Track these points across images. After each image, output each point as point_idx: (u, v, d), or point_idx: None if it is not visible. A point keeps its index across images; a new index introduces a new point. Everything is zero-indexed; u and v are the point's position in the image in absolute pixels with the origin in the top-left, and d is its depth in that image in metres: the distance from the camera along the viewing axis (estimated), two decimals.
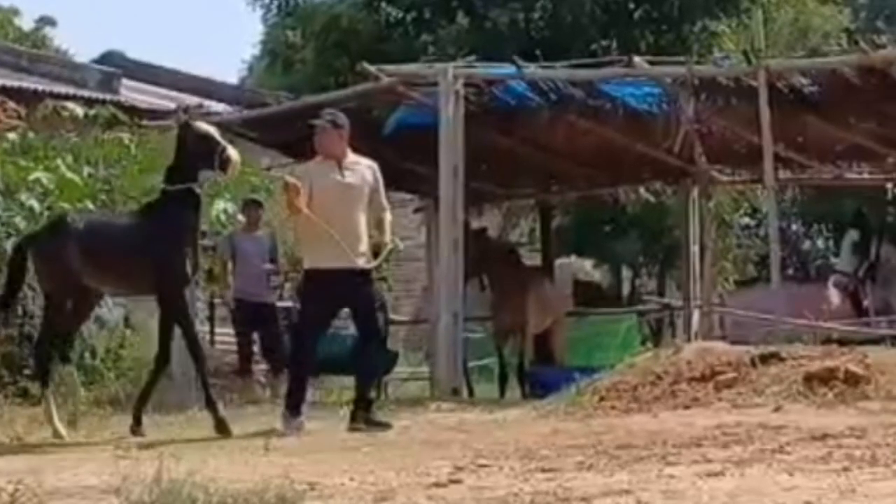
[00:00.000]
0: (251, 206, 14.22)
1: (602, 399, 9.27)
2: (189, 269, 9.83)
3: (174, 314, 9.86)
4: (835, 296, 13.70)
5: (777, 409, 8.48)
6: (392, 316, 21.22)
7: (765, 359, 9.40)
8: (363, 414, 9.38)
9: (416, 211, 17.19)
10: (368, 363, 9.84)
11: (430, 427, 9.06)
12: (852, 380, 8.86)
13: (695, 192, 16.02)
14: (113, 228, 10.29)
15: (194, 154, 9.70)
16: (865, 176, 16.24)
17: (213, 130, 9.89)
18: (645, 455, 6.67)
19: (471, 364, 15.50)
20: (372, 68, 13.33)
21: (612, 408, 9.04)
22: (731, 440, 7.17)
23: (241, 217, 14.43)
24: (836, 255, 14.81)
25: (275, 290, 14.59)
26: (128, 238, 9.86)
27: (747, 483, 5.43)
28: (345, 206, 9.41)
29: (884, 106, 13.11)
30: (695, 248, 16.07)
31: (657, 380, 9.42)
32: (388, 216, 9.75)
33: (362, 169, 9.68)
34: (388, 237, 9.65)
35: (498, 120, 13.86)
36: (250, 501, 5.31)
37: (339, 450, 8.05)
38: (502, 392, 14.41)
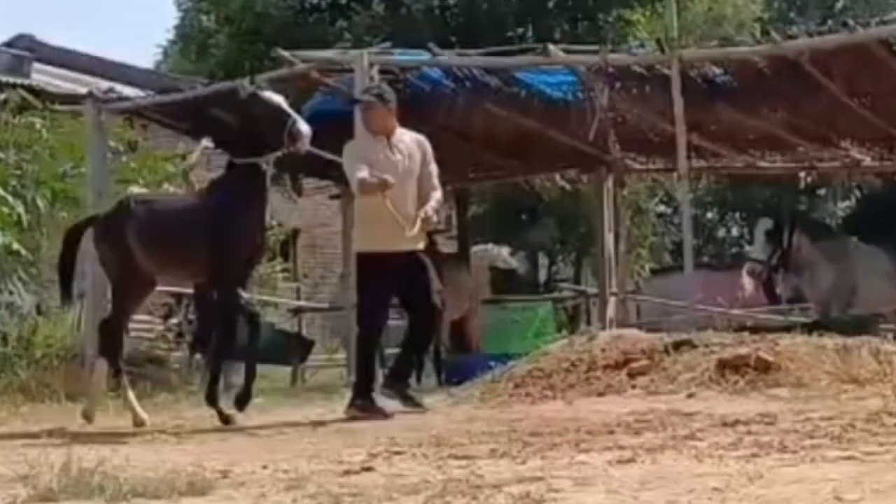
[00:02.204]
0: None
1: (517, 386, 9.31)
2: (250, 251, 9.23)
3: (223, 299, 9.29)
4: (748, 283, 13.83)
5: (689, 396, 8.55)
6: (309, 303, 21.25)
7: (678, 346, 9.48)
8: (400, 389, 9.21)
9: (333, 198, 17.14)
10: (416, 342, 9.60)
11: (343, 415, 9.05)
12: (763, 367, 8.94)
13: (609, 181, 16.11)
14: (173, 209, 9.68)
15: (262, 127, 9.03)
16: (778, 165, 16.41)
17: (282, 101, 9.23)
18: (558, 442, 6.70)
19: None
20: (286, 54, 13.25)
21: (527, 395, 9.07)
22: (643, 427, 7.21)
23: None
24: (751, 243, 14.93)
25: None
26: (187, 219, 9.27)
27: (658, 469, 5.46)
28: (395, 185, 8.94)
29: (795, 96, 13.24)
30: (609, 236, 16.17)
31: (572, 367, 9.46)
32: (437, 194, 9.28)
33: (412, 144, 9.26)
34: (428, 209, 9.11)
35: (414, 107, 13.82)
36: (160, 490, 5.27)
37: (252, 437, 8.02)
38: (418, 379, 14.40)
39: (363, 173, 9.03)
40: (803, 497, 4.61)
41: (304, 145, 8.99)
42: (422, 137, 9.32)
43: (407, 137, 9.27)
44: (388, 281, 9.08)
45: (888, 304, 13.79)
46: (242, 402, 8.99)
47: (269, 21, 20.77)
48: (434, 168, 9.30)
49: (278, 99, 9.20)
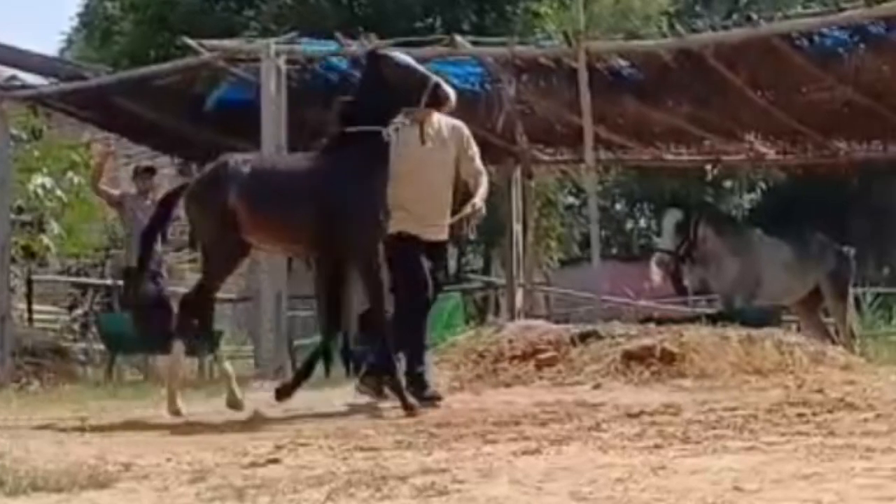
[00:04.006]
0: (144, 174, 13.83)
1: None
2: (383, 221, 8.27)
3: (369, 273, 8.32)
4: (656, 274, 13.92)
5: (595, 387, 8.61)
6: (219, 294, 21.08)
7: (584, 337, 9.53)
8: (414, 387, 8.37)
9: None
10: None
11: (251, 406, 8.96)
12: (668, 358, 9.03)
13: (517, 172, 16.15)
14: (284, 174, 8.62)
15: (394, 89, 8.22)
16: (684, 158, 16.54)
17: (413, 61, 8.49)
18: (464, 433, 6.71)
19: (297, 343, 15.42)
20: (193, 42, 13.15)
21: (436, 385, 9.05)
22: (549, 418, 7.24)
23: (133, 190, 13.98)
24: (659, 234, 15.04)
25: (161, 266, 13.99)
26: (305, 184, 8.31)
27: (562, 461, 5.49)
28: (425, 174, 8.48)
29: (699, 89, 13.36)
30: (518, 227, 16.22)
31: (479, 358, 9.48)
32: (482, 179, 8.72)
33: (447, 132, 8.67)
34: (476, 199, 8.61)
35: (322, 97, 13.78)
36: (62, 483, 5.21)
37: (157, 430, 7.95)
38: (327, 371, 14.37)
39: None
40: (704, 487, 4.65)
41: (451, 108, 8.34)
42: (458, 122, 8.74)
43: (442, 124, 8.66)
44: (419, 256, 8.54)
45: (791, 295, 13.97)
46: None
47: (175, 9, 20.61)
48: (475, 151, 8.79)
49: (408, 58, 8.52)
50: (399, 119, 8.46)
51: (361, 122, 8.22)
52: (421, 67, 8.45)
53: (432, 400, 8.26)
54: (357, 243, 8.27)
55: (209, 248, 8.61)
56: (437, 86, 8.22)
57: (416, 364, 8.50)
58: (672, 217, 13.79)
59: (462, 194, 8.82)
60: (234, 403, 8.43)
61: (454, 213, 8.70)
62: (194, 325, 8.65)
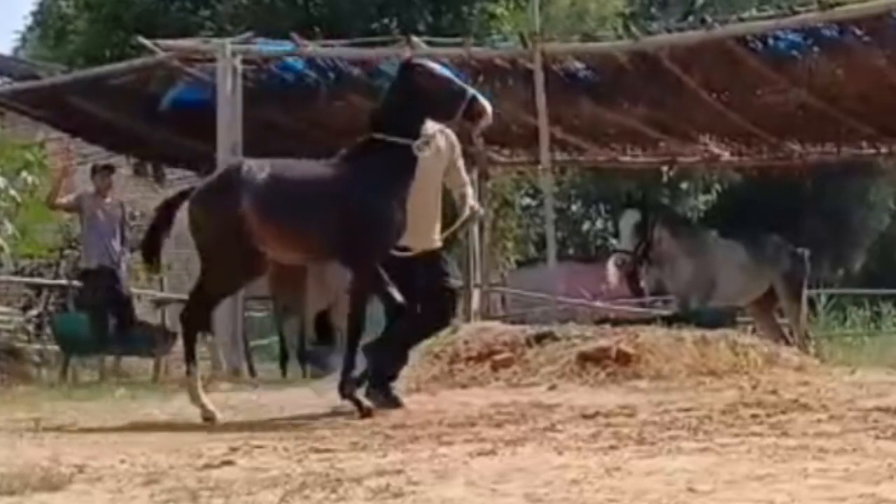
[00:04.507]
0: (103, 172, 13.73)
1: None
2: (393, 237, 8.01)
3: (370, 284, 7.99)
4: (613, 276, 13.96)
5: (551, 388, 8.62)
6: (174, 295, 20.99)
7: (540, 339, 9.55)
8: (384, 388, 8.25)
9: None
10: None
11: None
12: (624, 359, 9.06)
13: (473, 173, 16.14)
14: (301, 181, 8.15)
15: (427, 99, 7.92)
16: (640, 159, 16.61)
17: (449, 72, 8.23)
18: (420, 435, 6.71)
19: (254, 343, 15.40)
20: (148, 42, 13.12)
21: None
22: (505, 419, 7.25)
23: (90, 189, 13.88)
24: (615, 235, 15.09)
25: (119, 265, 13.90)
26: (324, 192, 7.96)
27: (517, 462, 5.49)
28: (418, 183, 8.11)
29: (655, 91, 13.43)
30: (474, 228, 16.22)
31: (435, 359, 9.48)
32: (466, 190, 8.58)
33: (442, 141, 8.37)
34: (466, 207, 8.48)
35: (278, 97, 13.77)
36: (13, 486, 5.16)
37: (111, 431, 7.90)
38: (284, 372, 14.36)
39: None
40: (658, 489, 4.67)
41: (488, 123, 7.99)
42: (448, 130, 8.38)
43: (436, 131, 8.32)
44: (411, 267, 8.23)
45: (746, 297, 14.05)
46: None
47: (130, 8, 20.52)
48: (461, 161, 8.65)
49: (445, 70, 8.27)
50: (430, 132, 8.11)
51: (388, 131, 7.92)
52: (457, 79, 8.17)
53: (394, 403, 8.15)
54: (363, 253, 7.94)
55: (215, 257, 8.15)
56: (475, 99, 7.90)
57: (386, 371, 8.33)
58: (630, 218, 13.82)
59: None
60: (209, 416, 8.12)
61: (445, 224, 8.52)
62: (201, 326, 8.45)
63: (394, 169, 7.91)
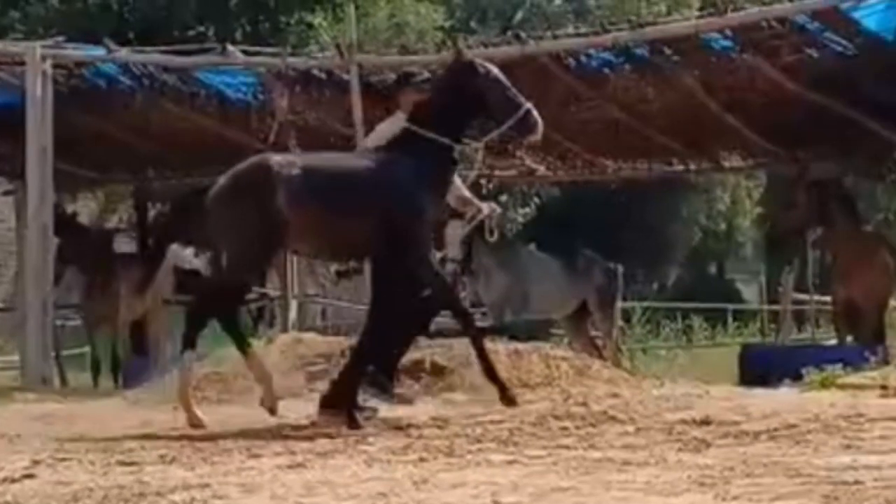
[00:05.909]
0: None
1: (194, 389, 9.12)
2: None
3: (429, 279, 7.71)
4: None
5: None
6: None
7: None
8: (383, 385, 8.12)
9: (6, 194, 16.58)
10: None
11: (13, 418, 8.72)
12: (438, 371, 9.09)
13: None
14: (342, 174, 7.78)
15: (479, 101, 7.70)
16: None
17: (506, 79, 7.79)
18: (230, 447, 6.64)
19: (69, 353, 15.13)
20: None
21: (205, 399, 8.94)
22: (317, 432, 7.23)
23: None
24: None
25: None
26: (362, 188, 7.62)
27: (326, 475, 5.48)
28: None
29: None
30: None
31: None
32: (464, 192, 8.51)
33: None
34: (480, 205, 8.43)
35: (90, 102, 13.56)
36: None
37: None
38: (96, 381, 14.11)
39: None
40: (464, 501, 4.70)
41: (536, 139, 7.85)
42: None
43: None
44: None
45: (559, 310, 14.21)
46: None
47: None
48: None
49: (502, 75, 7.90)
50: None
51: (432, 127, 7.69)
52: (514, 89, 7.83)
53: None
54: (418, 249, 7.70)
55: (240, 251, 7.73)
56: (529, 112, 7.69)
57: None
58: (456, 227, 13.88)
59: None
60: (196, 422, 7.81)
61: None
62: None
63: (435, 166, 7.70)
